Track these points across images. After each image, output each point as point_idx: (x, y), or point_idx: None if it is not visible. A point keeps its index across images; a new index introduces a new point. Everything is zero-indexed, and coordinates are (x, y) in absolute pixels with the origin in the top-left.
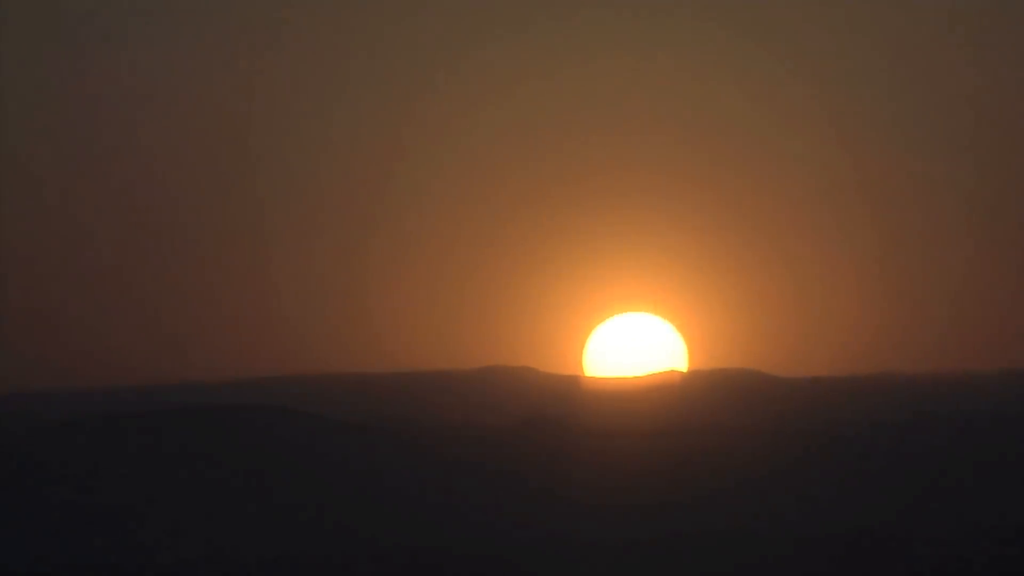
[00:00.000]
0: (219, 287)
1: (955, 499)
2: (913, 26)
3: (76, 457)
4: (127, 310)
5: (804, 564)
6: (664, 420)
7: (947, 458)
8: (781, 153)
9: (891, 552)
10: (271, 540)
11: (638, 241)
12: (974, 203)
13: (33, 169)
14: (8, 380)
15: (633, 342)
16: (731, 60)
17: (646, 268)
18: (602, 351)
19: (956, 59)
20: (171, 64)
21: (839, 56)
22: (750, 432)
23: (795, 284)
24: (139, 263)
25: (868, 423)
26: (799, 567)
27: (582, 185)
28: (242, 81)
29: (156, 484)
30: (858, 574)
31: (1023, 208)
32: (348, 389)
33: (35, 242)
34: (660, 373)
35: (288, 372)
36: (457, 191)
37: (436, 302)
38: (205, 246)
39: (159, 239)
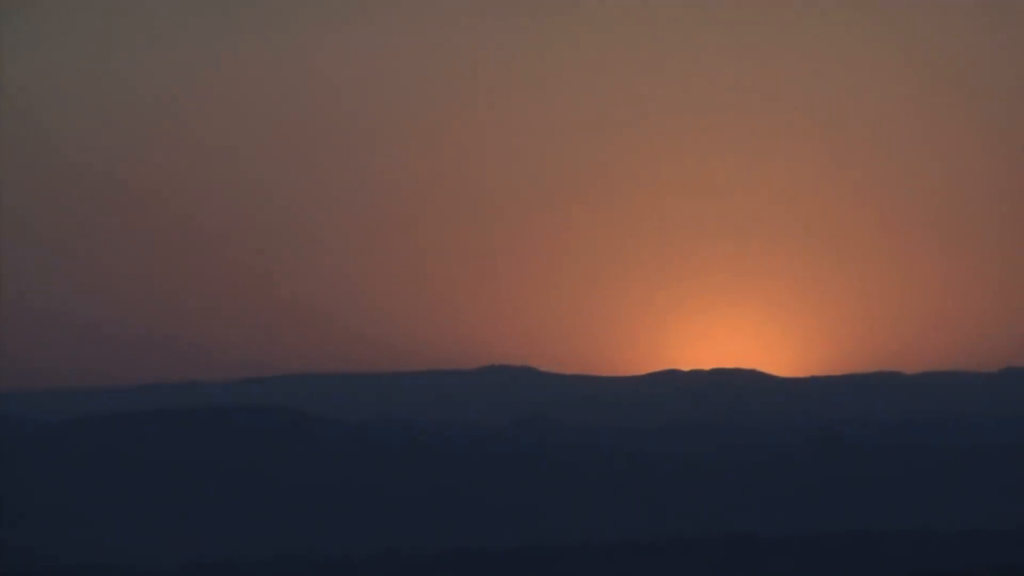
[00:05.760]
0: (219, 288)
1: (955, 499)
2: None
3: (76, 457)
4: (127, 310)
5: (804, 564)
6: (664, 420)
7: (947, 458)
8: (780, 156)
9: (890, 552)
10: (271, 539)
11: (639, 242)
12: (974, 203)
13: (34, 170)
14: (8, 380)
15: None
16: (730, 65)
17: (647, 268)
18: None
19: (949, 60)
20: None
21: (838, 61)
22: (750, 432)
23: (795, 285)
24: (139, 265)
25: (868, 423)
26: (799, 567)
27: (582, 187)
28: (232, 78)
29: (156, 484)
30: (858, 574)
31: (1023, 208)
32: (348, 389)
33: (35, 242)
34: (660, 373)
35: (288, 372)
36: (457, 192)
37: (437, 302)
38: (205, 248)
39: (159, 241)
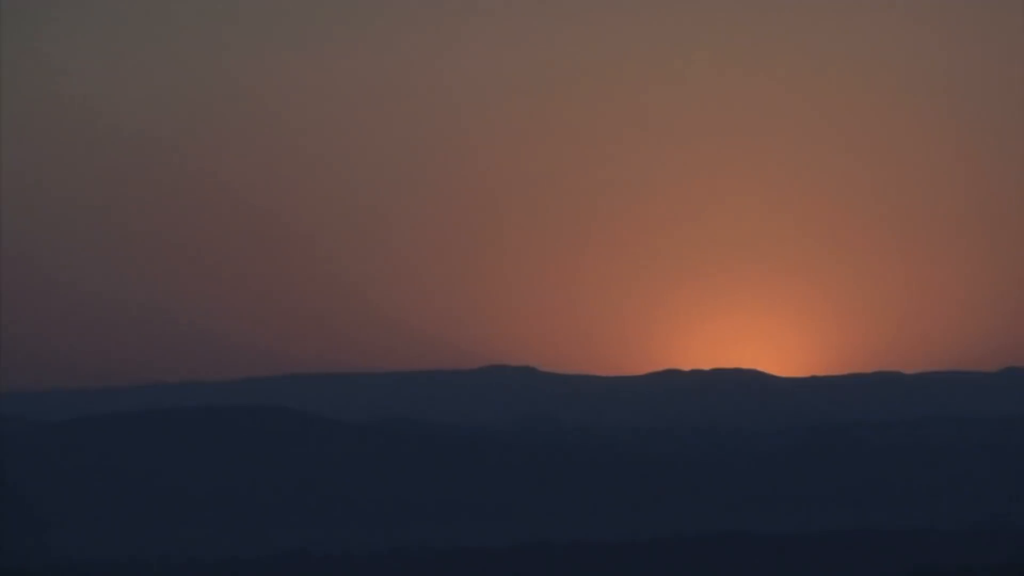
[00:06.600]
0: (218, 289)
1: (955, 499)
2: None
3: (76, 457)
4: (127, 310)
5: (804, 563)
6: (664, 420)
7: (947, 458)
8: (780, 156)
9: (890, 551)
10: (271, 539)
11: (639, 242)
12: (974, 203)
13: (34, 169)
14: (8, 380)
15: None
16: (731, 67)
17: (648, 268)
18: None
19: (952, 59)
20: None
21: (840, 63)
22: (750, 432)
23: (795, 286)
24: (139, 265)
25: (868, 423)
26: (799, 566)
27: (583, 188)
28: (240, 80)
29: (156, 484)
30: (857, 573)
31: (1023, 208)
32: (348, 389)
33: (35, 242)
34: (660, 373)
35: (288, 372)
36: (458, 192)
37: (437, 302)
38: (204, 248)
39: (159, 241)
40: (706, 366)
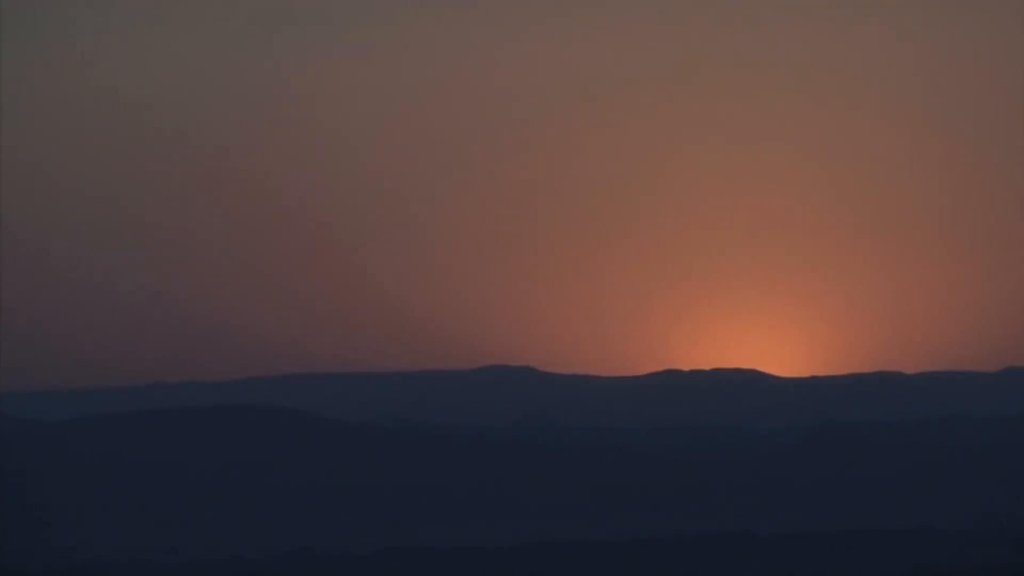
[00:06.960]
0: (218, 288)
1: (955, 499)
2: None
3: (76, 457)
4: (128, 310)
5: (804, 563)
6: (664, 420)
7: (947, 458)
8: (780, 156)
9: (890, 551)
10: (271, 539)
11: (639, 242)
12: (974, 204)
13: (34, 170)
14: (8, 380)
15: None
16: (732, 67)
17: (648, 268)
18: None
19: (946, 61)
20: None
21: (839, 63)
22: (750, 432)
23: (795, 285)
24: (139, 264)
25: (868, 423)
26: (799, 566)
27: (582, 187)
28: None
29: (156, 484)
30: (857, 573)
31: (1022, 208)
32: (348, 389)
33: (36, 243)
34: (660, 373)
35: (288, 372)
36: (459, 193)
37: (437, 302)
38: (204, 248)
39: (159, 241)
40: (706, 366)
